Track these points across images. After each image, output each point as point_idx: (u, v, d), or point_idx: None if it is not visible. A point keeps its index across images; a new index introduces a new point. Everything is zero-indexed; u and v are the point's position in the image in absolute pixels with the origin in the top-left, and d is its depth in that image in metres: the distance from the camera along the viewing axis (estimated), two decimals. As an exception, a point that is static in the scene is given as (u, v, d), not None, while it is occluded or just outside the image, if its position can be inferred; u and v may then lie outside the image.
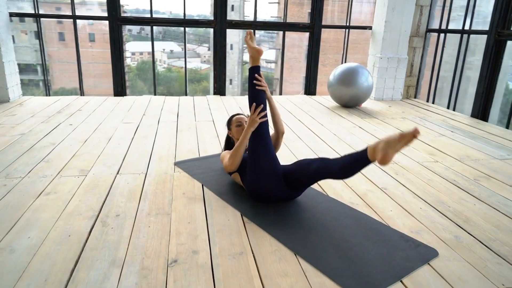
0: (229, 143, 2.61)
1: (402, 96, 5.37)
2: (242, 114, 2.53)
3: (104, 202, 2.11)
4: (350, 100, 4.61)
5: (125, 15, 5.50)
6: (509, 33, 3.99)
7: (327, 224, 1.94)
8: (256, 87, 2.16)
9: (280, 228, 1.88)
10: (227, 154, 2.32)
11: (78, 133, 3.33)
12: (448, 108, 4.93)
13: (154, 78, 5.49)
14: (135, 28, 27.51)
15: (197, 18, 5.52)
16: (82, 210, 2.01)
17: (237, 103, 4.78)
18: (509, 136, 3.73)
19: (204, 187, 2.35)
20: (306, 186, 2.11)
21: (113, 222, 1.90)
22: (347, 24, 5.40)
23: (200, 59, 27.98)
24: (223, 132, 3.47)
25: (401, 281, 1.53)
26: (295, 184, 2.07)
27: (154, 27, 5.08)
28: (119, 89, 4.99)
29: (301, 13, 19.13)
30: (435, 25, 5.18)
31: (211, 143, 3.19)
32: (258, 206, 2.10)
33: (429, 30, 5.19)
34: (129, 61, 26.18)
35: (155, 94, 5.34)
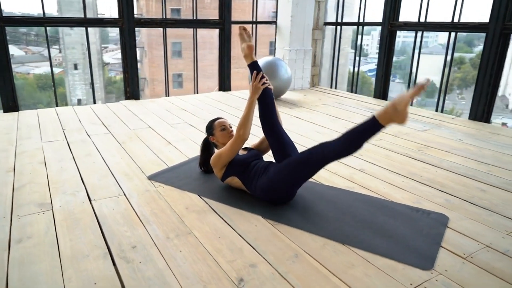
0: (208, 150, 2.47)
1: (310, 84, 5.81)
2: (222, 118, 2.42)
3: (104, 235, 1.79)
4: (274, 93, 4.76)
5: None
6: (399, 24, 4.68)
7: (345, 210, 2.03)
8: (263, 85, 2.13)
9: (310, 223, 1.90)
10: (219, 154, 2.17)
11: (-4, 162, 2.68)
12: (351, 92, 5.54)
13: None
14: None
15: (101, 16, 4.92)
16: (84, 250, 1.67)
17: (160, 106, 4.48)
18: (411, 110, 4.43)
19: (201, 197, 2.18)
20: (311, 177, 2.12)
21: (135, 255, 1.63)
22: (254, 20, 5.54)
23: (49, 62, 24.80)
24: (173, 138, 3.25)
25: (441, 246, 1.73)
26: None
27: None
28: (10, 104, 4.14)
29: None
30: (331, 18, 5.72)
31: (169, 150, 2.95)
32: (272, 206, 2.06)
33: (326, 23, 5.71)
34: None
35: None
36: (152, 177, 2.45)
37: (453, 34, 4.23)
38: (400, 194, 2.25)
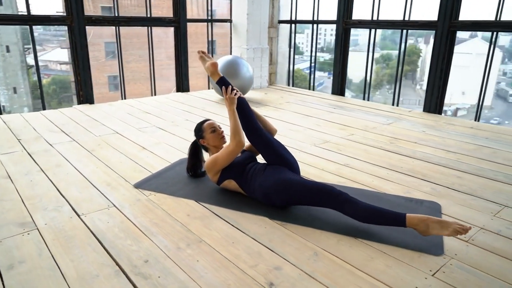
0: (197, 154, 2.39)
1: (268, 83, 5.85)
2: (210, 120, 2.35)
3: (109, 252, 1.65)
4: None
5: None
6: (353, 22, 4.89)
7: (346, 205, 2.08)
8: (235, 95, 2.18)
9: (317, 220, 1.91)
10: (215, 160, 2.12)
11: None
12: (309, 89, 5.69)
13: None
14: None
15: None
16: (92, 270, 1.52)
17: (120, 110, 4.23)
18: (370, 105, 4.66)
19: (199, 202, 2.10)
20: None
21: (151, 270, 1.53)
22: (209, 18, 5.44)
23: None
24: (147, 143, 3.09)
25: (443, 232, 1.84)
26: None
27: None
28: None
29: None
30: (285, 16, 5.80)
31: (146, 156, 2.80)
32: (274, 207, 2.05)
33: (280, 21, 5.78)
34: None
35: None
36: (138, 185, 2.30)
37: (404, 31, 4.52)
38: (390, 186, 2.35)
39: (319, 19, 5.37)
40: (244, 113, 2.19)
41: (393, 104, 4.76)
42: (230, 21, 5.57)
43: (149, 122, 3.71)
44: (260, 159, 2.34)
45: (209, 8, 5.35)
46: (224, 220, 1.93)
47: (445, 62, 4.09)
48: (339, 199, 1.81)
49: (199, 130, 2.30)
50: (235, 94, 2.18)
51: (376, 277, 1.51)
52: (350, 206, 1.79)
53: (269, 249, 1.68)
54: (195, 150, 2.40)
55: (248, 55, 5.37)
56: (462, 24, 3.95)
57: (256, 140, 2.18)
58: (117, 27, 4.59)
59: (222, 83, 2.22)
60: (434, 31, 4.11)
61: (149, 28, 4.90)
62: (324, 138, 3.27)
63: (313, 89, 5.70)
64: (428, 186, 2.35)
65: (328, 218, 1.93)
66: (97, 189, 2.25)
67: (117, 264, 1.56)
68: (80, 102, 4.50)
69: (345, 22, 4.92)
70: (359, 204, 1.79)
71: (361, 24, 4.85)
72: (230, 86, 2.21)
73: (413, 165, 2.69)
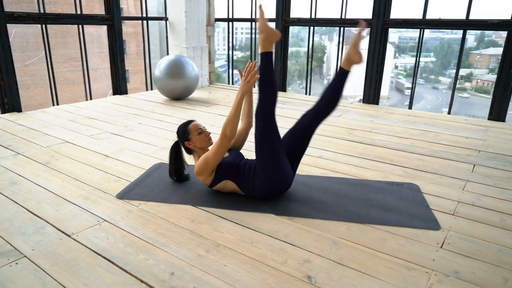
0: (179, 157, 2.28)
1: (208, 82, 5.77)
2: (194, 120, 2.25)
3: (125, 270, 1.51)
4: (182, 92, 4.60)
5: None
6: (292, 20, 5.06)
7: (339, 194, 2.17)
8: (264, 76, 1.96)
9: (322, 212, 1.98)
10: (205, 160, 2.04)
11: None
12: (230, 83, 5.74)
13: None
14: None
15: None
16: (115, 292, 1.39)
17: (57, 117, 3.82)
18: (312, 99, 4.88)
19: (197, 207, 2.02)
20: (303, 152, 2.19)
21: (182, 282, 1.44)
22: (144, 16, 5.17)
23: None
24: (108, 150, 2.87)
25: (431, 209, 2.03)
26: (298, 156, 2.16)
27: None
28: None
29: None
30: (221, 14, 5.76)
31: (114, 164, 2.59)
32: (276, 202, 2.06)
33: (217, 19, 5.73)
34: None
35: None
36: (121, 196, 2.13)
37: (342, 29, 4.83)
38: (368, 173, 2.52)
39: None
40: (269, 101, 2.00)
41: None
42: (165, 19, 5.37)
43: (99, 128, 3.42)
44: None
45: (144, 5, 5.09)
46: (231, 221, 1.88)
47: (380, 57, 4.47)
48: (309, 114, 2.12)
49: (184, 132, 2.20)
50: (255, 79, 1.98)
51: (396, 255, 1.62)
52: (320, 108, 2.09)
53: (290, 244, 1.70)
54: (178, 153, 2.29)
55: (188, 54, 5.24)
56: (394, 22, 4.35)
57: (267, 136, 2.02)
58: (44, 25, 4.12)
59: (267, 60, 1.95)
60: (369, 29, 4.46)
61: (81, 26, 4.49)
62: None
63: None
64: (399, 170, 2.57)
65: (329, 209, 2.01)
66: (75, 204, 2.03)
67: (142, 281, 1.44)
68: (4, 110, 3.95)
69: (284, 20, 5.08)
70: (321, 98, 2.09)
71: (300, 22, 5.05)
72: (257, 70, 1.97)
73: (378, 152, 2.91)
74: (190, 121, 2.24)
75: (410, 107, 4.60)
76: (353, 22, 4.64)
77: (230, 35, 5.73)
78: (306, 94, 5.29)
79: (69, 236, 1.74)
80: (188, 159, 2.30)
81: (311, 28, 5.00)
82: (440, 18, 4.15)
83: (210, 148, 2.22)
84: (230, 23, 5.71)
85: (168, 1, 5.30)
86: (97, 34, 14.66)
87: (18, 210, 1.96)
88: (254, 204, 2.04)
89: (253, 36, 5.59)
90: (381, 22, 4.36)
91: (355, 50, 1.99)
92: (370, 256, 1.62)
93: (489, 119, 4.01)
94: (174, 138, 3.15)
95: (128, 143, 3.05)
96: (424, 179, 2.42)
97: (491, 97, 4.00)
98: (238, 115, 1.99)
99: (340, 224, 1.87)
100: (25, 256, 1.59)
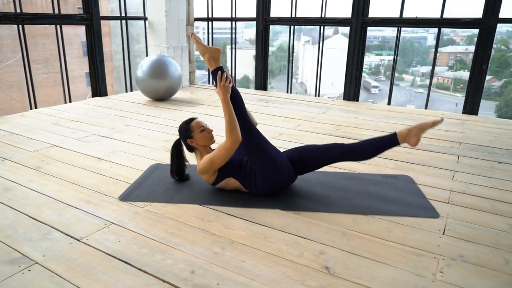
0: (181, 156, 2.28)
1: (189, 82, 5.73)
2: (196, 118, 2.26)
3: (144, 271, 1.50)
4: (166, 93, 4.55)
5: None
6: (273, 19, 5.12)
7: (340, 188, 2.25)
8: (230, 84, 2.05)
9: (326, 205, 2.04)
10: (211, 160, 2.06)
11: None
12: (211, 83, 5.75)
13: None
14: None
15: None
16: (139, 292, 1.38)
17: (39, 121, 3.69)
18: (294, 97, 4.98)
19: (204, 206, 2.03)
20: (314, 169, 2.23)
21: (204, 279, 1.46)
22: (124, 15, 5.06)
23: None
24: (99, 153, 2.82)
25: (427, 198, 2.14)
26: (305, 169, 2.20)
27: None
28: None
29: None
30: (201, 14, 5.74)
31: (110, 166, 2.55)
32: (278, 198, 2.10)
33: (197, 19, 5.70)
34: None
35: None
36: (124, 198, 2.11)
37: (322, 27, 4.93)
38: (362, 167, 2.61)
39: (237, 16, 5.47)
40: (237, 102, 2.08)
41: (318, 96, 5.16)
42: (144, 18, 5.29)
43: (85, 131, 3.34)
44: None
45: (123, 4, 4.99)
46: (240, 218, 1.91)
47: (360, 54, 4.60)
48: (343, 149, 2.10)
49: (187, 130, 2.19)
50: (230, 82, 2.06)
51: (403, 243, 1.70)
52: (353, 151, 2.10)
53: (302, 237, 1.74)
54: (179, 152, 2.28)
55: (169, 54, 5.18)
56: (372, 21, 4.50)
57: (247, 132, 2.07)
58: (20, 26, 3.96)
59: (219, 70, 2.08)
60: (349, 27, 4.59)
61: (59, 26, 4.34)
62: (277, 131, 3.41)
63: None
64: (391, 163, 2.68)
65: (332, 202, 2.07)
66: (78, 208, 1.99)
67: (164, 281, 1.44)
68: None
69: (265, 19, 5.13)
70: (359, 145, 2.11)
71: (281, 21, 5.11)
72: (225, 73, 2.07)
73: (368, 147, 3.01)
74: (192, 119, 2.24)
75: (389, 103, 4.77)
76: (333, 21, 4.75)
77: (210, 35, 5.71)
78: (287, 92, 5.36)
79: (78, 240, 1.71)
80: (190, 158, 2.30)
81: (292, 27, 5.07)
82: (416, 17, 4.33)
83: (212, 146, 2.24)
84: (210, 22, 5.70)
85: (147, 1, 5.22)
86: (66, 35, 14.17)
87: (18, 217, 1.90)
88: (259, 201, 2.07)
89: (233, 36, 5.61)
90: (360, 21, 4.49)
91: (417, 133, 2.04)
92: (379, 245, 1.69)
93: (463, 113, 4.24)
94: (165, 139, 3.16)
95: (119, 145, 2.99)
96: (415, 171, 2.54)
97: (465, 92, 4.22)
98: (234, 117, 1.99)
99: (346, 217, 1.93)
100: (36, 263, 1.55)
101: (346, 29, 4.33)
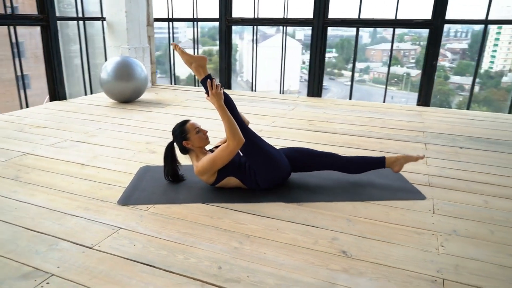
0: (174, 157, 2.27)
1: (151, 83, 5.60)
2: (190, 120, 2.26)
3: (172, 271, 1.51)
4: (132, 94, 4.43)
5: None
6: (236, 19, 5.17)
7: (330, 178, 2.38)
8: (221, 90, 2.11)
9: (324, 195, 2.16)
10: (213, 161, 2.09)
11: None
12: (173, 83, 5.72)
13: None
14: None
15: None
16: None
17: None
18: (258, 95, 5.09)
19: (207, 204, 2.06)
20: (306, 171, 2.36)
21: (233, 273, 1.50)
22: (80, 16, 4.82)
23: None
24: (80, 159, 2.72)
25: (411, 183, 2.34)
26: (299, 170, 2.33)
27: None
28: None
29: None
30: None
31: (97, 172, 2.46)
32: (278, 192, 2.19)
33: (156, 19, 5.58)
34: None
35: None
36: (124, 202, 2.07)
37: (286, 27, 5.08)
38: (346, 158, 2.76)
39: (199, 17, 5.45)
40: (230, 107, 2.15)
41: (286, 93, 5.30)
42: (102, 19, 5.08)
43: (57, 137, 3.17)
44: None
45: (80, 4, 4.75)
46: (248, 213, 1.96)
47: (322, 52, 4.81)
48: (341, 161, 2.28)
49: (183, 131, 2.20)
50: (220, 88, 2.12)
51: (404, 224, 1.87)
52: (349, 167, 2.29)
53: (311, 226, 1.84)
54: (173, 154, 2.28)
55: (130, 55, 5.04)
56: (332, 21, 4.72)
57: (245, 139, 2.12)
58: (-32, 27, 3.65)
59: (208, 78, 2.15)
60: (311, 27, 4.77)
61: (13, 28, 4.05)
62: (255, 128, 3.41)
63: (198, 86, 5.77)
64: (369, 153, 2.87)
65: (328, 192, 2.20)
66: (79, 216, 1.92)
67: (196, 279, 1.46)
68: None
69: (227, 19, 5.16)
70: (353, 161, 2.30)
71: (244, 21, 5.18)
72: (214, 80, 2.13)
73: (345, 139, 3.19)
74: (186, 121, 2.24)
75: (350, 97, 5.04)
76: (296, 22, 4.92)
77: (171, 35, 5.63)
78: (252, 90, 5.44)
79: (90, 248, 1.66)
80: (181, 158, 2.30)
81: (255, 27, 5.16)
82: (373, 18, 4.63)
83: (207, 147, 2.27)
84: (171, 23, 5.62)
85: (105, 1, 5.02)
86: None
87: (16, 230, 1.80)
88: (260, 196, 2.14)
89: (196, 36, 5.58)
90: (321, 21, 4.70)
91: (402, 163, 2.30)
92: (382, 227, 1.84)
93: (418, 104, 4.61)
94: (145, 141, 3.10)
95: (98, 149, 2.89)
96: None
97: (419, 86, 4.59)
98: (232, 121, 2.04)
99: (345, 204, 2.06)
100: (53, 275, 1.49)
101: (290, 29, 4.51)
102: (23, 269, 1.52)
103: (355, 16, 4.62)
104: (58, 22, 4.47)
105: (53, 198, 2.12)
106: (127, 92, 4.36)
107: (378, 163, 2.30)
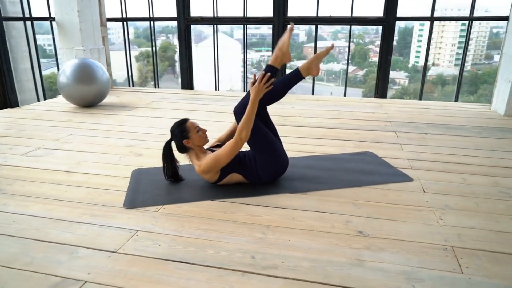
0: (173, 157, 2.26)
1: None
2: (188, 119, 2.26)
3: (207, 265, 1.53)
4: (95, 98, 4.23)
5: None
6: (195, 18, 5.14)
7: (325, 168, 2.51)
8: (267, 89, 2.10)
9: (324, 184, 2.28)
10: (217, 159, 2.12)
11: None
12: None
13: None
14: None
15: None
16: (217, 285, 1.43)
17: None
18: (221, 94, 5.12)
19: (217, 200, 2.09)
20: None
21: (268, 261, 1.56)
22: (28, 16, 4.48)
23: None
24: (62, 166, 2.59)
25: (396, 168, 2.55)
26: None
27: None
28: None
29: None
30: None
31: (87, 178, 2.36)
32: (280, 184, 2.28)
33: (109, 19, 5.35)
34: None
35: None
36: (130, 205, 2.03)
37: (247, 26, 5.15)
38: (330, 149, 2.92)
39: (156, 16, 5.33)
40: (262, 107, 2.22)
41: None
42: (50, 19, 4.77)
43: (26, 146, 2.96)
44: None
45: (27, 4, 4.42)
46: (259, 205, 2.03)
47: (284, 50, 4.96)
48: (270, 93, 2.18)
49: (183, 130, 2.19)
50: (268, 87, 2.08)
51: (402, 203, 2.05)
52: (273, 92, 2.19)
53: (323, 212, 1.96)
54: (172, 154, 2.27)
55: (85, 56, 4.79)
56: (292, 19, 4.88)
57: (261, 133, 2.19)
58: None
59: (269, 71, 2.15)
60: (272, 25, 4.90)
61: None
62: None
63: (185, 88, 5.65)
64: (350, 143, 3.06)
65: (327, 180, 2.33)
66: (88, 223, 1.85)
67: (234, 270, 1.50)
68: None
69: (186, 18, 5.12)
70: (275, 88, 2.16)
71: (204, 20, 5.17)
72: (269, 74, 2.07)
73: (321, 132, 3.36)
74: (185, 120, 2.24)
75: (312, 93, 5.26)
76: (256, 20, 5.02)
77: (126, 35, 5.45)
78: (216, 90, 5.45)
79: (115, 252, 1.62)
80: (179, 157, 2.30)
81: (215, 26, 5.18)
82: (331, 16, 4.87)
83: (205, 146, 2.29)
84: (125, 23, 5.43)
85: (53, 0, 4.71)
86: None
87: (24, 242, 1.69)
88: (264, 189, 2.21)
89: (153, 36, 5.45)
90: (281, 19, 4.85)
91: (316, 64, 2.22)
92: (386, 208, 2.00)
93: (375, 97, 4.94)
94: (126, 144, 3.01)
95: (78, 156, 2.76)
96: (372, 148, 2.96)
97: (376, 79, 4.93)
98: (253, 118, 2.08)
99: (346, 190, 2.21)
100: (87, 281, 1.44)
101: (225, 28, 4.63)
102: (51, 279, 1.46)
103: (313, 14, 4.83)
104: (4, 23, 4.13)
105: (50, 207, 2.01)
106: (89, 96, 4.16)
107: (296, 76, 2.25)
